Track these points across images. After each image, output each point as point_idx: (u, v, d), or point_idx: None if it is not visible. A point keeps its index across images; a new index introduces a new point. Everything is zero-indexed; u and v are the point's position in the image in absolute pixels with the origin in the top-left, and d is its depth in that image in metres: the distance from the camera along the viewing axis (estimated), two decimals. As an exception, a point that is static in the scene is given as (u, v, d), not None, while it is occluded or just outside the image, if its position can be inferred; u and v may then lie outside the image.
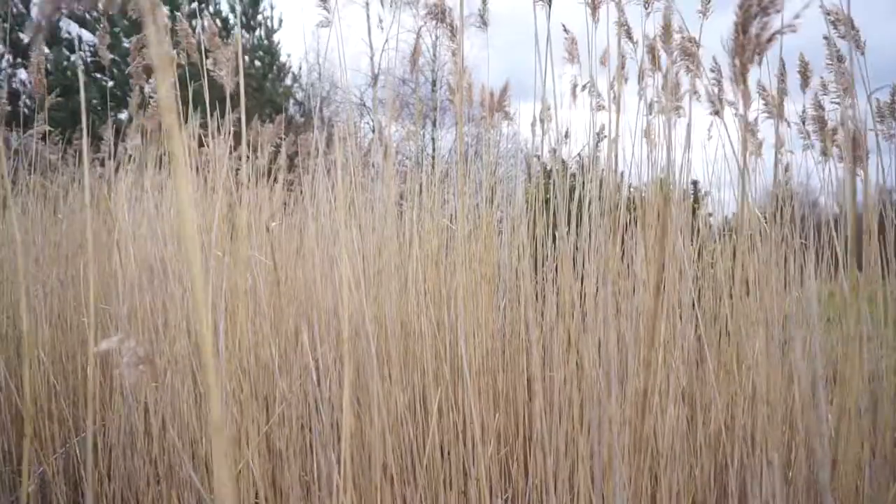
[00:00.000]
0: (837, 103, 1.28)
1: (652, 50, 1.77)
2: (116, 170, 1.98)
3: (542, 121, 2.62)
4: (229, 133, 2.47)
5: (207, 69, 1.11)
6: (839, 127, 1.51)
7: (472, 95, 1.99)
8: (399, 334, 1.41)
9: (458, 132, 0.89)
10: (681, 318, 1.44)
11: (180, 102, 1.71)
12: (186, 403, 1.11)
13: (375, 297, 1.31)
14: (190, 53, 1.31)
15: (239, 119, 2.58)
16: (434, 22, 1.48)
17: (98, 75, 11.02)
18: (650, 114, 2.04)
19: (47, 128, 2.28)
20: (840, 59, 1.21)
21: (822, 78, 1.35)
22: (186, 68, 1.33)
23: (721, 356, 1.31)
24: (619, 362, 0.97)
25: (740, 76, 0.39)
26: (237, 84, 2.01)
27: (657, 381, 0.94)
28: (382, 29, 1.35)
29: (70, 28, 11.18)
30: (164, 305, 1.22)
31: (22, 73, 11.05)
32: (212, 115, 1.90)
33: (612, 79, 1.88)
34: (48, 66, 10.70)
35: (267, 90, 12.07)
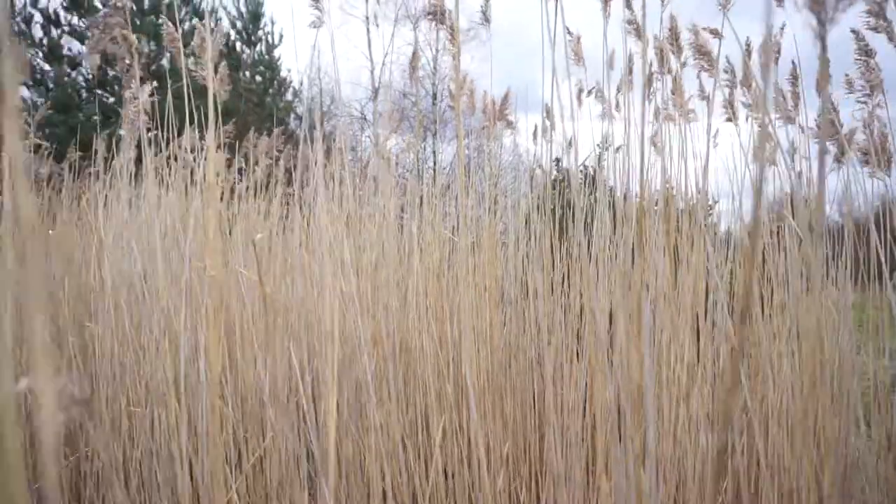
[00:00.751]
0: (864, 102, 1.19)
1: (661, 52, 1.70)
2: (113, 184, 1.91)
3: (544, 130, 2.55)
4: (223, 145, 2.40)
5: (189, 69, 1.04)
6: (863, 129, 1.43)
7: (474, 102, 1.91)
8: (398, 353, 1.32)
9: (458, 133, 0.81)
10: (698, 335, 1.35)
11: (172, 113, 1.65)
12: (165, 434, 1.02)
13: (373, 314, 1.22)
14: (176, 58, 1.24)
15: (233, 132, 2.50)
16: (433, 23, 1.41)
17: (99, 91, 11.01)
18: (657, 120, 1.96)
19: (34, 140, 2.21)
20: (869, 53, 1.13)
21: (847, 75, 1.27)
22: (167, 73, 1.26)
23: (749, 375, 1.22)
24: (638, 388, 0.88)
25: (820, 40, 0.31)
26: (227, 92, 1.94)
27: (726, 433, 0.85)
28: (378, 26, 1.28)
29: (72, 45, 11.20)
30: (141, 325, 1.14)
31: (23, 91, 11.08)
32: (204, 126, 1.82)
33: (620, 82, 1.81)
34: (48, 82, 10.70)
35: (268, 105, 12.06)
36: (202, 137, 1.92)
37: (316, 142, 1.47)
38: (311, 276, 1.32)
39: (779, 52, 1.42)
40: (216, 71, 1.95)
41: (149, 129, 1.15)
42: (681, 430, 0.99)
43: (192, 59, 1.04)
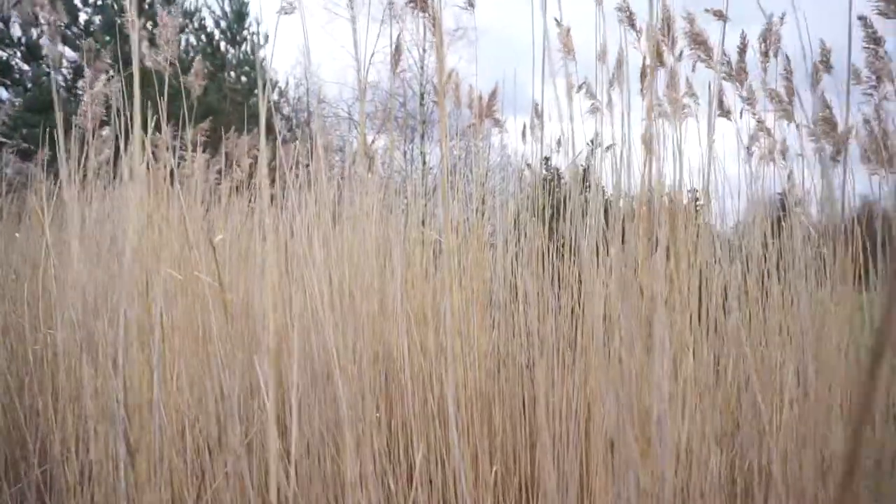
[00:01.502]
0: (870, 94, 1.12)
1: (655, 43, 1.62)
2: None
3: (533, 128, 2.48)
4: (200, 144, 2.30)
5: (143, 57, 0.95)
6: (864, 124, 1.36)
7: (460, 96, 1.83)
8: (380, 361, 1.24)
9: (442, 123, 0.73)
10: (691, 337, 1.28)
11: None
12: (112, 459, 0.92)
13: (347, 323, 1.13)
14: (140, 46, 1.14)
15: (212, 130, 2.40)
16: (415, 10, 1.33)
17: (80, 92, 10.80)
18: (650, 117, 1.89)
19: (-2, 138, 2.11)
20: (878, 41, 1.06)
21: (852, 65, 1.20)
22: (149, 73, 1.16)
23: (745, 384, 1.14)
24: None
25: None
26: (205, 88, 1.84)
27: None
28: (353, 8, 1.20)
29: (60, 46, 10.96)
30: (96, 337, 1.04)
31: (2, 93, 10.85)
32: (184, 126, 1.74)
33: (612, 76, 1.73)
34: (27, 82, 10.49)
35: (252, 106, 11.90)
36: (174, 136, 1.83)
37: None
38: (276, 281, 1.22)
39: (778, 42, 1.36)
40: (190, 64, 1.85)
41: (104, 123, 1.06)
42: (685, 450, 0.92)
43: (145, 44, 0.95)
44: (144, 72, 1.39)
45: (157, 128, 1.56)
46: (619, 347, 0.72)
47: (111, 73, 1.22)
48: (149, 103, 1.35)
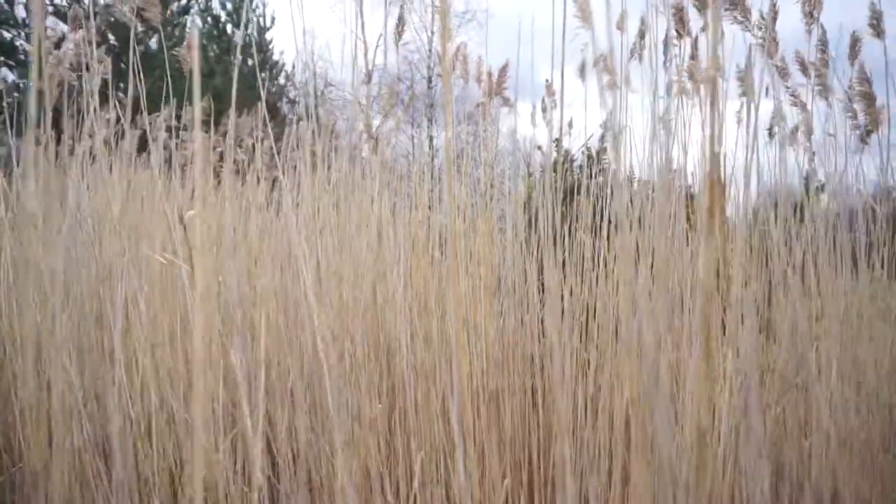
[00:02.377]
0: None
1: (679, 11, 1.49)
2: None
3: (544, 109, 2.35)
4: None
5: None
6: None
7: (468, 68, 1.71)
8: (376, 353, 1.14)
9: (445, 81, 0.63)
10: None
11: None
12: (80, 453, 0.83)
13: (347, 313, 1.03)
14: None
15: (217, 112, 2.30)
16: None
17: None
18: (669, 95, 1.76)
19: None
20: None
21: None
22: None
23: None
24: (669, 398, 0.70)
25: None
26: (211, 70, 1.73)
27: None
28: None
29: (56, 25, 10.86)
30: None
31: (9, 75, 10.78)
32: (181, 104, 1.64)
33: (634, 45, 1.61)
34: (31, 63, 10.40)
35: (258, 88, 11.76)
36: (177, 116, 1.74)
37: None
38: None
39: (822, 3, 1.23)
40: (183, 34, 1.73)
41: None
42: (722, 461, 0.81)
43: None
44: (145, 53, 1.29)
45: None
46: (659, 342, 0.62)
47: (85, 35, 1.12)
48: (144, 87, 1.26)
